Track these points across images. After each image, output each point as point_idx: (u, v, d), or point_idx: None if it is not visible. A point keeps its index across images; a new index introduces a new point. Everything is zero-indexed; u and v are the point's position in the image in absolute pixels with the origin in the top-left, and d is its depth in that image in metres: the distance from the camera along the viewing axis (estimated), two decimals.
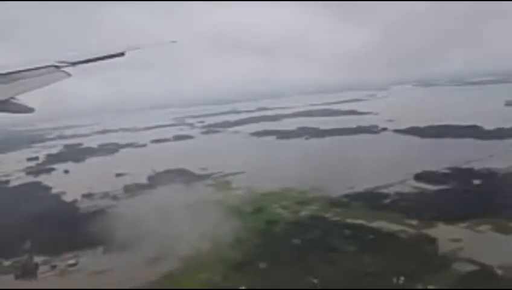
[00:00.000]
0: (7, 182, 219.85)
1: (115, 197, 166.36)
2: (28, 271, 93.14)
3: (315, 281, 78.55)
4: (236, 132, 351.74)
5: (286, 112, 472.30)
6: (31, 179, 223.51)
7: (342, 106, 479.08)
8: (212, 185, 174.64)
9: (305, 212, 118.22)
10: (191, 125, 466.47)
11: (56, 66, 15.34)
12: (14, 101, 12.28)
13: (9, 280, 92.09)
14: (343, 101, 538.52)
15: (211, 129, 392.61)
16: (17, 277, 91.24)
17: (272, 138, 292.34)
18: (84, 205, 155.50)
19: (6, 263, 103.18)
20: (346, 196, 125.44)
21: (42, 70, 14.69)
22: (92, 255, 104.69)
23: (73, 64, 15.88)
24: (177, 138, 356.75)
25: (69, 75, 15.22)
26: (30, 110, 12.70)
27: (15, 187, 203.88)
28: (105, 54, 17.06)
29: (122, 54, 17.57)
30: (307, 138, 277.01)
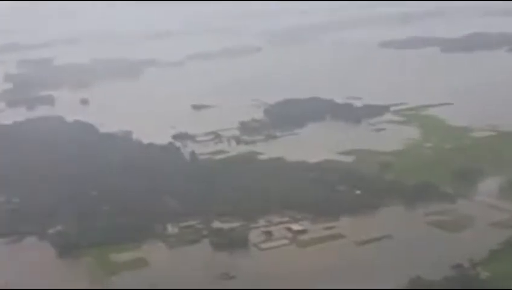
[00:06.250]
0: None
1: (246, 142, 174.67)
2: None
3: None
4: (341, 43, 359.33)
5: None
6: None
7: None
8: (404, 122, 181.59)
9: None
10: (232, 31, 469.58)
11: None
12: None
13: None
14: None
15: (280, 38, 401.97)
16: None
17: (434, 49, 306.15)
18: (220, 156, 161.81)
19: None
20: None
21: None
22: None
23: None
24: (232, 51, 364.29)
25: None
26: None
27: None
28: None
29: None
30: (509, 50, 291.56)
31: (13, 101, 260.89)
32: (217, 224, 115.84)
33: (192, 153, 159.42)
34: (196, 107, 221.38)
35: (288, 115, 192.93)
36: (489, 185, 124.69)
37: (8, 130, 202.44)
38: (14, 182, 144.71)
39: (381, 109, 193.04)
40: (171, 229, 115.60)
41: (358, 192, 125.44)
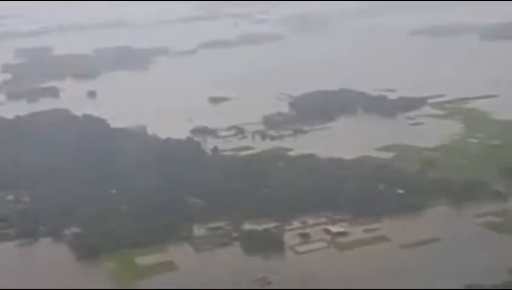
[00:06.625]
0: None
1: (272, 137, 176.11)
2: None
3: None
4: (372, 29, 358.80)
5: None
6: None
7: None
8: (444, 115, 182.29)
9: None
10: (247, 16, 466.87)
11: None
12: None
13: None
14: None
15: (305, 24, 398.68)
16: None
17: (472, 37, 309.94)
18: (245, 152, 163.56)
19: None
20: None
21: None
22: None
23: None
24: (251, 39, 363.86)
25: None
26: None
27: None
28: None
29: None
30: None
31: (13, 93, 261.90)
32: (247, 226, 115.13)
33: (215, 149, 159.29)
34: (214, 100, 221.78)
35: (316, 108, 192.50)
36: None
37: (10, 124, 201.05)
38: (21, 180, 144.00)
39: (418, 102, 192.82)
40: (197, 230, 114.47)
41: (400, 191, 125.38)
